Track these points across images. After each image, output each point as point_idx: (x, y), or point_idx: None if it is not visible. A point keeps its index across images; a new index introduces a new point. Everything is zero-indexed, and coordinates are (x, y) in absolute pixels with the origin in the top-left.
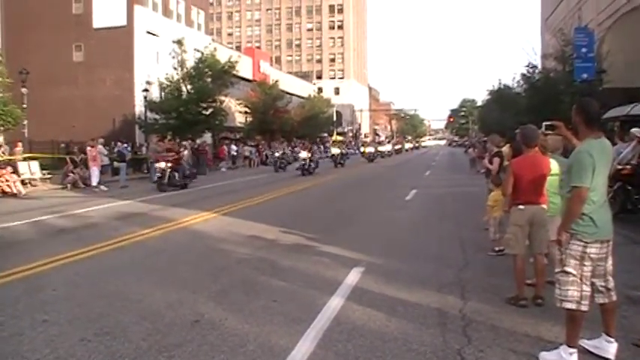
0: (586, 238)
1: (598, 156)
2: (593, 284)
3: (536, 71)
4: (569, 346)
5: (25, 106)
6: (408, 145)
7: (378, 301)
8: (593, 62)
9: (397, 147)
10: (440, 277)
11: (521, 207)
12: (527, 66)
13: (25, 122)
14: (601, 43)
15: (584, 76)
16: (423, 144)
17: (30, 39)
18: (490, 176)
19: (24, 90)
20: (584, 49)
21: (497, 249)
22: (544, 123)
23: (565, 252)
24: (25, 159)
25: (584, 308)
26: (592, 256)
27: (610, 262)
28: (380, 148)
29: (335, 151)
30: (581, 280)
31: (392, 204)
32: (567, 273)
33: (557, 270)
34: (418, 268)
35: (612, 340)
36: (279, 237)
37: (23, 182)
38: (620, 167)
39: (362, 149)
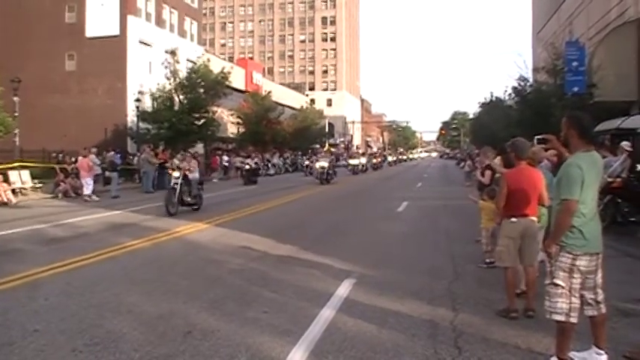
0: (575, 250)
1: (587, 169)
2: (582, 297)
3: (528, 84)
4: (560, 358)
5: (16, 114)
6: (390, 158)
7: (369, 312)
8: (584, 76)
9: (376, 160)
10: (431, 289)
11: (513, 219)
12: (519, 79)
13: (17, 131)
14: (592, 57)
15: (575, 89)
16: (410, 156)
17: (23, 47)
18: (485, 189)
19: (16, 98)
20: (575, 63)
21: (488, 261)
22: (536, 137)
23: (554, 264)
24: (16, 168)
25: (573, 320)
26: (581, 268)
27: (600, 275)
28: (351, 162)
29: (321, 164)
30: (570, 292)
31: (383, 215)
32: (556, 285)
33: (546, 282)
34: (410, 279)
35: (602, 352)
36: (271, 248)
37: (14, 191)
38: (610, 180)
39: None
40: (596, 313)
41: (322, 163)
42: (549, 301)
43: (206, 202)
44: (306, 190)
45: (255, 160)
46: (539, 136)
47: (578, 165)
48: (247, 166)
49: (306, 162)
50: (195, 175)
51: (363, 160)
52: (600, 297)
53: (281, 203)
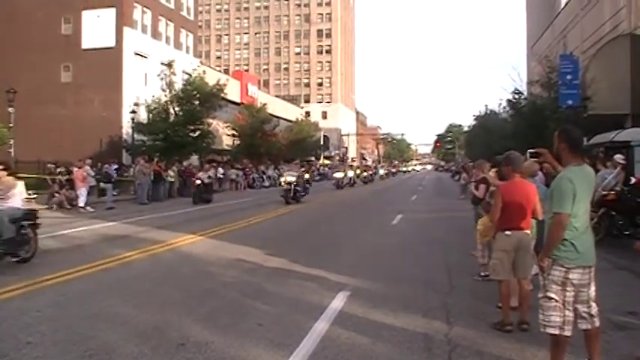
0: (567, 263)
1: (579, 183)
2: (576, 310)
3: (522, 97)
4: None
5: (11, 125)
6: (382, 171)
7: (363, 325)
8: (578, 89)
9: (367, 173)
10: (426, 302)
11: (507, 233)
12: (513, 92)
13: (12, 141)
14: (585, 70)
15: (569, 102)
16: (402, 168)
17: (18, 58)
18: (481, 202)
19: (11, 109)
20: (569, 76)
21: (482, 274)
22: (529, 150)
23: (547, 277)
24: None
25: (567, 333)
26: (574, 281)
27: (593, 288)
28: (336, 175)
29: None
30: (563, 305)
31: (378, 228)
32: (550, 298)
33: (539, 295)
34: (404, 292)
35: None
36: (265, 260)
37: None
38: (604, 193)
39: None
40: (590, 327)
41: (289, 178)
42: (543, 315)
43: (193, 216)
44: (268, 212)
45: (209, 173)
46: (532, 150)
47: (569, 179)
48: (199, 181)
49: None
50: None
51: (350, 173)
52: (594, 310)
53: (279, 214)
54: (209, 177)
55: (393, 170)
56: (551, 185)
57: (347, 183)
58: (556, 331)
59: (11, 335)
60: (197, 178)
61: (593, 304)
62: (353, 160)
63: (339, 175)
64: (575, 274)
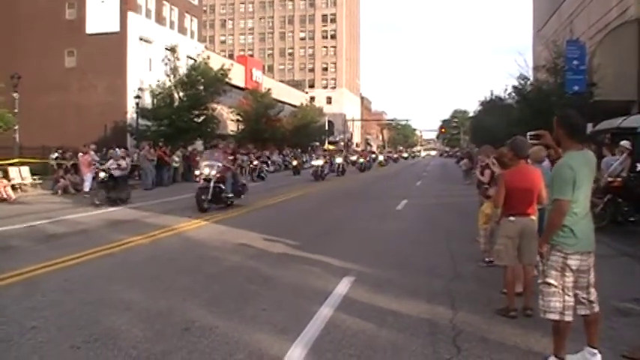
0: (566, 249)
1: (579, 168)
2: (576, 295)
3: (528, 83)
4: (557, 357)
5: (16, 111)
6: (381, 157)
7: (368, 310)
8: (585, 75)
9: (363, 159)
10: (430, 288)
11: (512, 218)
12: (519, 78)
13: (17, 127)
14: (592, 56)
15: (576, 88)
16: (404, 154)
17: (22, 44)
18: (481, 188)
19: (15, 95)
20: (575, 62)
21: (487, 260)
22: (528, 133)
23: (546, 263)
24: (15, 164)
25: (567, 319)
26: (573, 267)
27: (592, 274)
28: (314, 162)
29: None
30: (563, 291)
31: (382, 214)
32: (549, 284)
33: (539, 281)
34: (409, 278)
35: (595, 351)
36: (269, 245)
37: (14, 187)
38: (610, 180)
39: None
40: (589, 312)
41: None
42: (543, 300)
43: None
44: (304, 189)
45: (124, 162)
46: (532, 133)
47: (569, 165)
48: (103, 174)
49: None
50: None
51: (338, 159)
52: (593, 296)
53: (283, 200)
54: (118, 166)
55: (395, 156)
56: (552, 171)
57: (328, 172)
58: (556, 317)
59: (15, 320)
60: (103, 170)
61: (592, 290)
62: (357, 146)
63: (317, 162)
64: (574, 260)
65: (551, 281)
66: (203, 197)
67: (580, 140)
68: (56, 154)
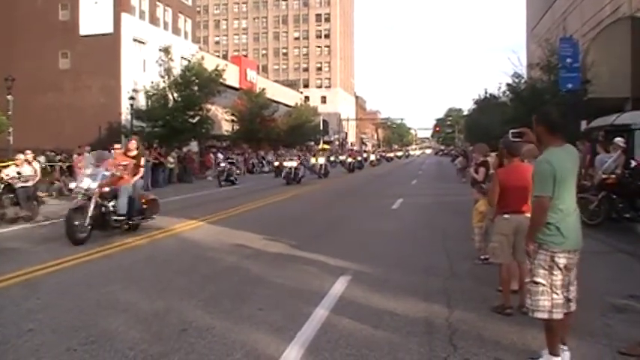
0: (553, 247)
1: (559, 164)
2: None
3: (522, 81)
4: (552, 354)
5: (10, 113)
6: (372, 157)
7: (364, 310)
8: (578, 72)
9: (352, 159)
10: (426, 286)
11: (506, 216)
12: (513, 76)
13: (11, 129)
14: (586, 53)
15: (569, 86)
16: (398, 153)
17: (16, 46)
18: (476, 186)
19: (9, 97)
20: (569, 60)
21: (482, 257)
22: (510, 130)
23: (533, 262)
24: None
25: (557, 316)
26: (560, 265)
27: (574, 272)
28: (286, 164)
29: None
30: (551, 289)
31: (378, 213)
32: (537, 283)
33: (526, 280)
34: (405, 276)
35: (565, 347)
36: (265, 245)
37: None
38: (604, 177)
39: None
40: (566, 311)
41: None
42: (531, 300)
43: (193, 202)
44: (299, 188)
45: (29, 168)
46: (514, 130)
47: (547, 161)
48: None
49: (222, 163)
50: None
51: (321, 159)
52: (572, 294)
53: (279, 200)
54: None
55: (389, 155)
56: (532, 169)
57: (304, 175)
58: (545, 315)
59: (12, 322)
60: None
61: (572, 288)
62: (352, 145)
63: (290, 163)
64: (562, 259)
65: (539, 280)
66: (77, 223)
67: (560, 136)
68: (43, 157)
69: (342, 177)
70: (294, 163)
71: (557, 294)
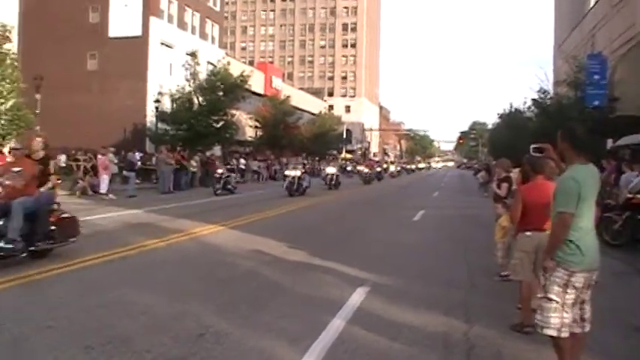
0: (572, 267)
1: (584, 181)
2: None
3: (548, 97)
4: None
5: (38, 111)
6: (392, 168)
7: (382, 321)
8: (605, 89)
9: (369, 170)
10: (446, 300)
11: (528, 233)
12: (539, 91)
13: (38, 127)
14: (614, 70)
15: (596, 102)
16: (420, 165)
17: (46, 46)
18: (500, 201)
19: (37, 96)
20: (596, 76)
21: (503, 274)
22: (531, 146)
23: (549, 279)
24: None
25: (564, 335)
26: (576, 285)
27: (590, 291)
28: (288, 172)
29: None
30: (562, 307)
31: (399, 224)
32: (550, 300)
33: (539, 296)
34: (424, 289)
35: None
36: (285, 252)
37: None
38: (630, 196)
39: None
40: (580, 331)
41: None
42: (541, 316)
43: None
44: (319, 197)
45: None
46: (535, 145)
47: (573, 178)
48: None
49: (219, 170)
50: None
51: (332, 169)
52: (587, 314)
53: (299, 207)
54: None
55: (412, 167)
56: (556, 184)
57: (309, 186)
58: (554, 333)
59: (31, 319)
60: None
61: (587, 308)
62: (375, 155)
63: (292, 172)
64: (579, 278)
65: (553, 297)
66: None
67: (584, 154)
68: (64, 156)
69: (355, 188)
70: (297, 172)
71: (567, 312)
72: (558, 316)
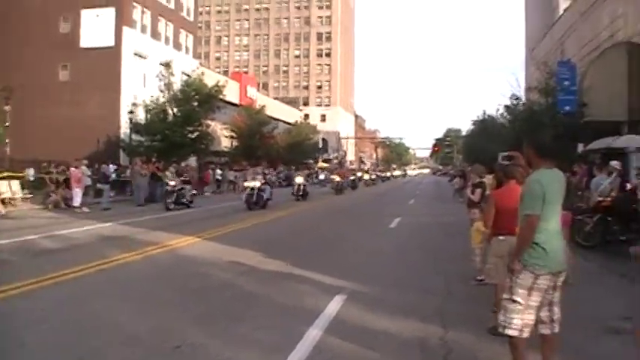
0: (537, 270)
1: (548, 185)
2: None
3: (520, 103)
4: None
5: (7, 124)
6: (366, 177)
7: (359, 329)
8: (576, 95)
9: (340, 178)
10: (422, 306)
11: (501, 237)
12: (511, 97)
13: (8, 140)
14: (583, 77)
15: (567, 108)
16: (395, 173)
17: (16, 57)
18: (477, 206)
19: (7, 107)
20: (566, 82)
21: (479, 278)
22: (500, 154)
23: (515, 280)
24: (5, 178)
25: (525, 335)
26: (541, 287)
27: (558, 293)
28: (247, 183)
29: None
30: (526, 309)
31: (376, 232)
32: (514, 301)
33: (505, 297)
34: (401, 296)
35: None
36: (261, 263)
37: (3, 201)
38: (600, 199)
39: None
40: (549, 332)
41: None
42: (504, 316)
43: (205, 214)
44: (297, 206)
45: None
46: (504, 153)
47: (538, 181)
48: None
49: (171, 182)
50: None
51: (300, 179)
52: (556, 316)
53: (277, 217)
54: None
55: (387, 174)
56: (522, 188)
57: (270, 198)
58: (515, 333)
59: (3, 338)
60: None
61: (556, 309)
62: (351, 163)
63: (251, 183)
64: (544, 280)
65: (518, 299)
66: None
67: (550, 159)
68: (32, 170)
69: (327, 199)
70: (256, 183)
71: (530, 314)
72: (520, 317)
